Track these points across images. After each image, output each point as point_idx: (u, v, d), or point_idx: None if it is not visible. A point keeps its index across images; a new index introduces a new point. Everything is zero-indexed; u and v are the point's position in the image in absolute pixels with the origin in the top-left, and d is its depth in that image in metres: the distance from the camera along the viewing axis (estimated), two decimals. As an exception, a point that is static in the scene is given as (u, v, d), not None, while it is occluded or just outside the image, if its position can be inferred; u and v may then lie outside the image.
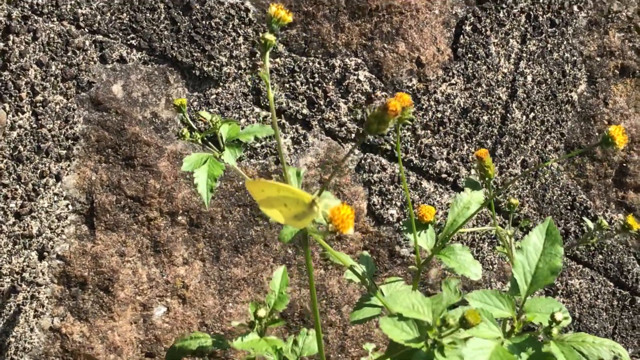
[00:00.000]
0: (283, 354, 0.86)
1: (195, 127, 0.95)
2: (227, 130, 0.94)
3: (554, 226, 0.80)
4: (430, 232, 0.96)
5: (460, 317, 0.58)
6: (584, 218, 1.06)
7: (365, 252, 1.02)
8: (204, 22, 1.17)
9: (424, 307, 0.62)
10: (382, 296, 0.87)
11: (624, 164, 1.42)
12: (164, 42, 1.16)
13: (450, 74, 1.27)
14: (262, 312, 0.79)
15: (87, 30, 1.14)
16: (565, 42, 1.36)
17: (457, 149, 1.31)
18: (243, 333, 0.79)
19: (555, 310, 0.76)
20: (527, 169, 0.88)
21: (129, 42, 1.15)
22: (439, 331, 0.60)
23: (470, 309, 0.58)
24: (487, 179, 0.96)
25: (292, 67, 1.21)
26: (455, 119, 1.30)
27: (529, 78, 1.34)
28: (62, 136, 1.13)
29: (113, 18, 1.14)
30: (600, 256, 1.47)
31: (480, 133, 1.32)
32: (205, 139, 0.93)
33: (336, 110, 1.24)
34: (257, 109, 1.22)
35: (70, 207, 1.16)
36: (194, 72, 1.17)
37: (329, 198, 0.62)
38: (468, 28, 1.28)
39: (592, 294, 1.47)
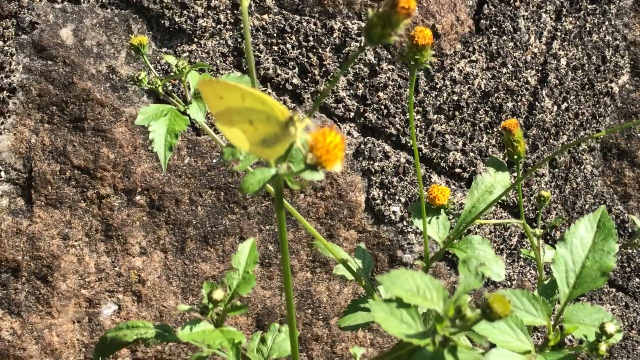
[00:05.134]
0: (246, 352, 0.66)
1: (156, 74, 0.75)
2: (197, 79, 0.77)
3: (608, 217, 0.65)
4: (443, 219, 0.77)
5: (483, 305, 0.38)
6: (631, 216, 0.86)
7: (362, 245, 0.83)
8: (180, -36, 0.98)
9: (433, 292, 0.42)
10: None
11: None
12: (128, -19, 0.96)
13: (471, 49, 1.09)
14: (218, 294, 0.58)
15: (38, -35, 0.95)
16: (607, 23, 1.18)
17: (475, 140, 1.12)
18: (193, 321, 0.59)
19: (605, 321, 0.60)
20: (557, 150, 0.71)
21: (85, -22, 0.96)
22: (452, 325, 0.40)
23: (497, 293, 0.38)
24: (515, 157, 0.78)
25: (282, 26, 1.02)
26: (475, 104, 1.11)
27: (563, 62, 1.15)
28: (-5, 86, 0.94)
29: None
30: (637, 279, 1.28)
31: (502, 122, 1.12)
32: (168, 89, 0.76)
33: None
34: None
35: (3, 174, 0.97)
36: (162, 22, 0.98)
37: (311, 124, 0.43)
38: (494, -4, 1.10)
39: (626, 323, 1.28)
